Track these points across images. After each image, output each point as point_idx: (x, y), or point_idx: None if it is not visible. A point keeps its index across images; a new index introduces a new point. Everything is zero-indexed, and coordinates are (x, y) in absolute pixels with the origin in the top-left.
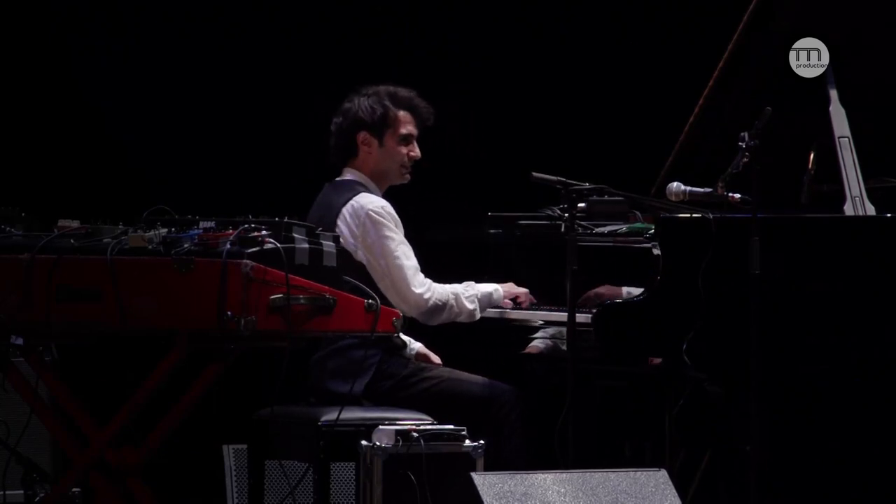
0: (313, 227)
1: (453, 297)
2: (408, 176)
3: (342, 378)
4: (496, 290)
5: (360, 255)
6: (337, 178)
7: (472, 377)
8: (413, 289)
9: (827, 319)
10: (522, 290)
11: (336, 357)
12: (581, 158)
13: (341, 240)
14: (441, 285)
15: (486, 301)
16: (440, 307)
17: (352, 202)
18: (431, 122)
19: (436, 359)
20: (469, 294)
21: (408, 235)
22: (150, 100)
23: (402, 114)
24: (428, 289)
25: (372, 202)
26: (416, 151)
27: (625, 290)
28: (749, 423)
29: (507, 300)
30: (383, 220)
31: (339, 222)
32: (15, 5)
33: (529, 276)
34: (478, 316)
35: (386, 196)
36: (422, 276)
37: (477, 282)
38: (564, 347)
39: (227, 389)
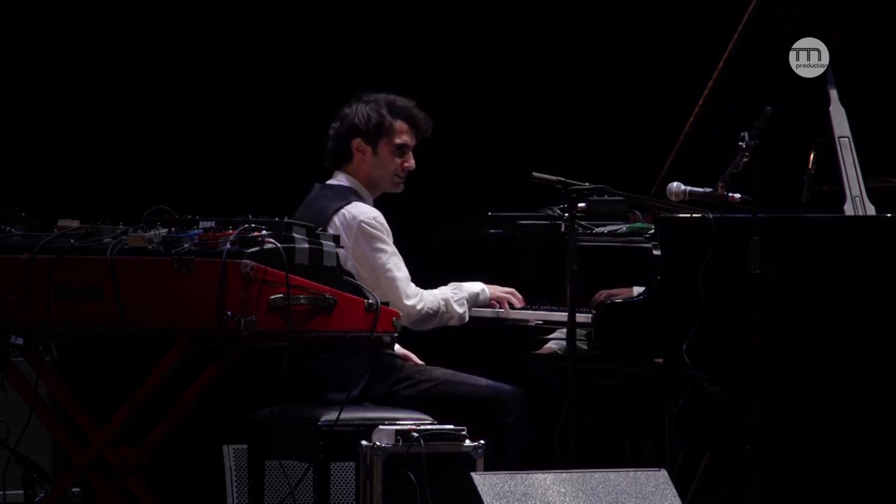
0: (313, 227)
1: (443, 302)
2: (401, 186)
3: (338, 389)
4: (483, 290)
5: (350, 265)
6: (328, 181)
7: (472, 378)
8: (404, 300)
9: (827, 319)
10: (507, 292)
11: (331, 367)
12: (581, 158)
13: None
14: (430, 292)
15: (474, 301)
16: (431, 314)
17: (343, 211)
18: (430, 133)
19: (415, 358)
20: (458, 297)
21: (409, 235)
22: (150, 100)
23: (398, 123)
24: (420, 299)
25: (364, 213)
26: (411, 162)
27: (636, 289)
28: (749, 423)
29: (493, 302)
30: (375, 232)
31: (330, 230)
32: (16, 5)
33: (529, 275)
34: (467, 318)
35: (385, 196)
36: (413, 286)
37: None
38: (585, 347)
39: (227, 389)
